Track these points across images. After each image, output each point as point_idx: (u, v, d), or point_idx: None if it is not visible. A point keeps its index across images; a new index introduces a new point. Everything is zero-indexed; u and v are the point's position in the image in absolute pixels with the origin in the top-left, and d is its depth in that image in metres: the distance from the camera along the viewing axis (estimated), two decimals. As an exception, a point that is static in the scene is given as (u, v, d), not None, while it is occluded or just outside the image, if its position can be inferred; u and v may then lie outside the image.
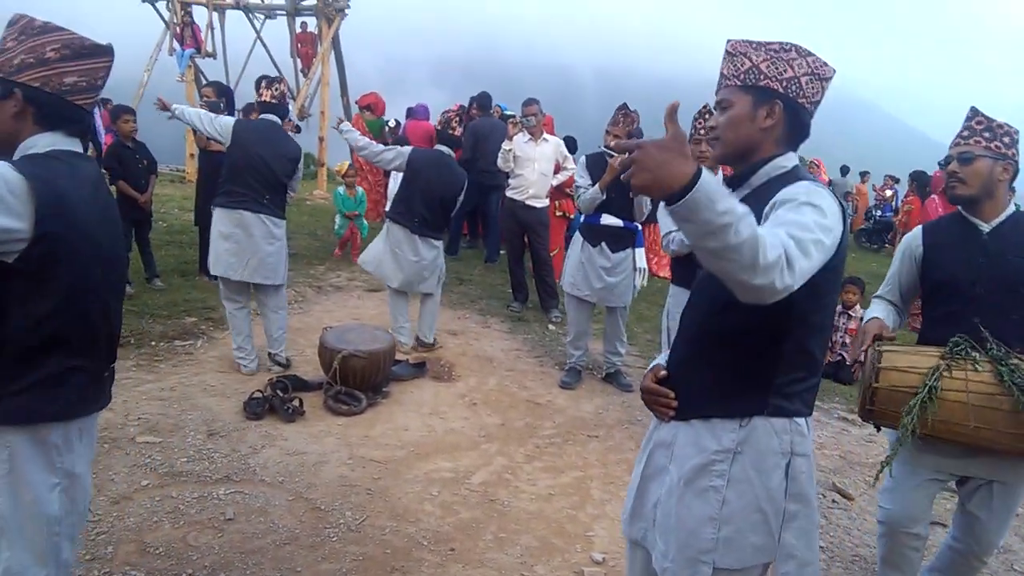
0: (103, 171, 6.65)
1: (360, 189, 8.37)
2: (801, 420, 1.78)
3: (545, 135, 7.06)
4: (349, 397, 4.68)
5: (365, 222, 8.52)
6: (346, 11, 15.09)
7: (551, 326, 6.77)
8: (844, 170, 17.26)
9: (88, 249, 1.84)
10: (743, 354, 1.76)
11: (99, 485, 3.50)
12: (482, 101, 9.27)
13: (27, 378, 1.78)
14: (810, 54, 1.79)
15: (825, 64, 1.80)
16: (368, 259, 5.84)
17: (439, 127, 6.29)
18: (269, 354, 5.20)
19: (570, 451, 4.38)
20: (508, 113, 10.01)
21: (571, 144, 9.84)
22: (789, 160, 1.80)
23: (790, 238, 1.48)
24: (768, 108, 1.77)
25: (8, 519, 1.80)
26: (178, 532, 3.22)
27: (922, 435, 2.44)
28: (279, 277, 5.13)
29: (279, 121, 5.12)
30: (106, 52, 1.91)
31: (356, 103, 10.11)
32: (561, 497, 3.82)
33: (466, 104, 9.64)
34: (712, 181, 1.34)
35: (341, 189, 8.31)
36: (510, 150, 6.85)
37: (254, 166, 4.91)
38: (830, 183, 15.28)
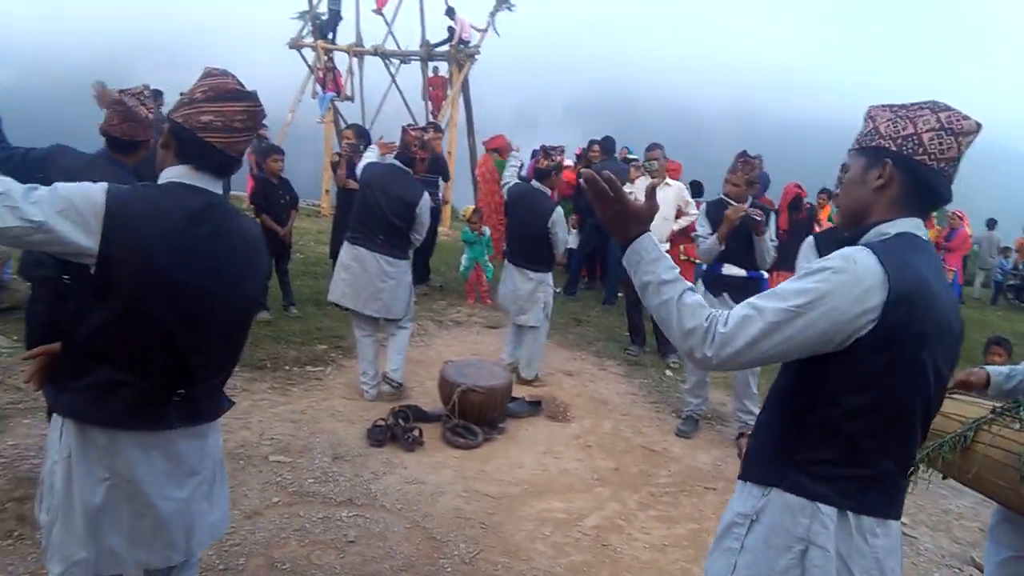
0: (250, 207, 7.19)
1: (487, 230, 8.57)
2: (828, 509, 1.63)
3: (668, 180, 7.07)
4: (466, 431, 4.79)
5: (491, 264, 8.69)
6: (476, 56, 15.66)
7: (668, 372, 6.70)
8: (991, 223, 16.14)
9: (153, 277, 1.89)
10: (776, 418, 1.76)
11: (234, 500, 3.73)
12: (605, 144, 9.39)
13: (82, 380, 1.93)
14: (946, 109, 1.66)
15: (964, 118, 1.65)
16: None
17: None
18: (384, 374, 5.41)
19: (685, 502, 4.30)
20: (632, 157, 10.07)
21: (697, 188, 9.77)
22: (895, 226, 1.68)
23: (743, 308, 1.58)
24: (879, 169, 1.69)
25: (60, 498, 1.97)
26: (303, 550, 3.38)
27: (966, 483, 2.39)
28: (393, 312, 5.31)
29: (405, 168, 5.31)
30: (244, 97, 2.02)
31: (484, 144, 10.42)
32: (675, 549, 3.76)
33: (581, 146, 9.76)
34: (650, 247, 1.71)
35: (466, 227, 8.57)
36: (631, 193, 6.88)
37: (370, 206, 5.22)
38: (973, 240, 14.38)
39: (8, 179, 1.79)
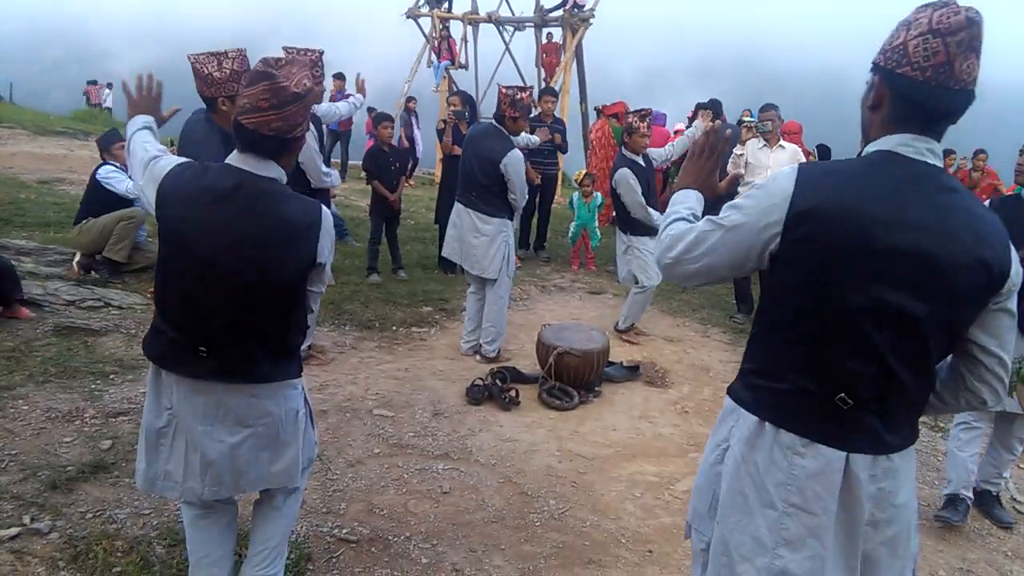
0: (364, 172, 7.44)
1: (598, 195, 8.50)
2: (748, 416, 1.74)
3: (782, 142, 6.78)
4: (562, 393, 4.84)
5: (598, 232, 8.63)
6: (590, 21, 15.43)
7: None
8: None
9: (176, 244, 2.18)
10: None
11: (339, 448, 3.96)
12: (713, 107, 9.09)
13: (153, 321, 2.33)
14: (944, 5, 1.50)
15: (955, 12, 1.48)
16: None
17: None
18: (479, 345, 5.55)
19: (783, 470, 4.19)
20: (750, 120, 9.72)
21: (824, 153, 9.31)
22: (876, 145, 1.62)
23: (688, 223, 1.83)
24: (869, 84, 1.65)
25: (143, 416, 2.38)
26: (400, 498, 3.55)
27: None
28: (484, 270, 5.35)
29: (496, 124, 5.32)
30: (266, 77, 2.10)
31: (602, 109, 10.29)
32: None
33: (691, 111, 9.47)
34: (696, 204, 1.91)
35: (576, 195, 8.54)
36: (742, 155, 6.69)
37: (464, 165, 5.41)
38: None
39: (150, 149, 2.34)
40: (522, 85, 5.96)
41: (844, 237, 1.52)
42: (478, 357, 5.49)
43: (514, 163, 5.15)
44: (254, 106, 2.10)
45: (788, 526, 1.66)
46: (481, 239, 5.33)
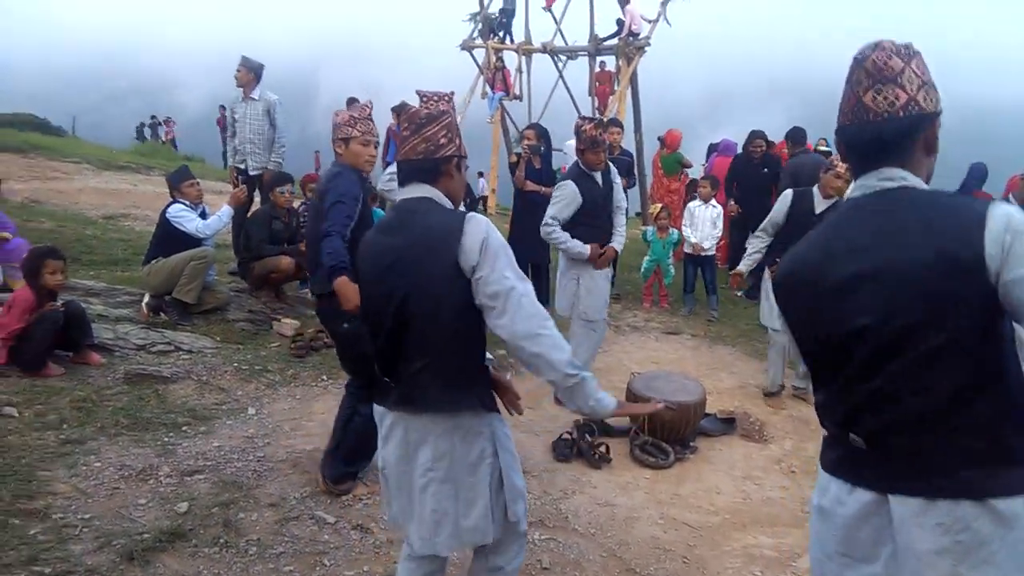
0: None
1: (675, 231, 8.16)
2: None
3: None
4: (656, 449, 4.50)
5: (672, 268, 8.28)
6: (646, 49, 15.19)
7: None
8: None
9: (363, 282, 2.36)
10: None
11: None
12: (794, 136, 8.67)
13: None
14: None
15: (854, 58, 1.67)
16: None
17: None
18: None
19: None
20: (826, 149, 9.33)
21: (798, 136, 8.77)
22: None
23: None
24: None
25: None
26: (497, 573, 3.23)
27: None
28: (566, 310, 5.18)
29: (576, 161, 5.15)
30: (404, 108, 2.34)
31: (662, 139, 10.01)
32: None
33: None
34: None
35: (650, 229, 8.21)
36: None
37: None
38: None
39: None
40: (589, 116, 5.69)
41: (799, 287, 1.69)
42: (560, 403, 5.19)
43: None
44: (401, 139, 2.30)
45: None
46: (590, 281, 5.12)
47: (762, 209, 8.42)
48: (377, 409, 2.35)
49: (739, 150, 9.55)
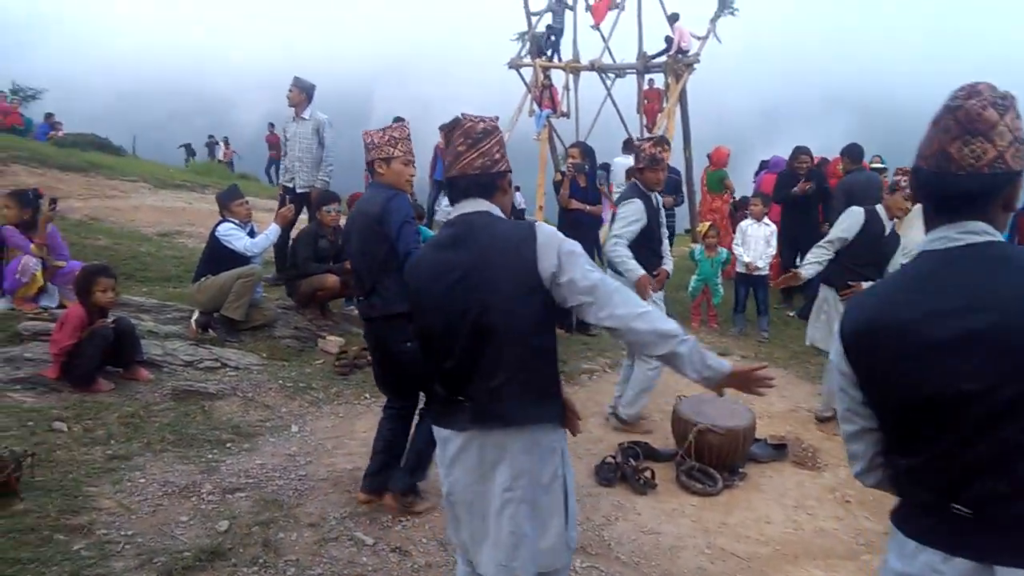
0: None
1: (724, 251, 8.00)
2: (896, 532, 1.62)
3: None
4: (703, 475, 4.36)
5: (721, 288, 8.10)
6: (695, 66, 15.06)
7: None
8: None
9: (423, 300, 2.26)
10: None
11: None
12: (851, 152, 8.43)
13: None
14: (956, 93, 1.55)
15: (949, 100, 1.55)
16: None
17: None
18: (613, 406, 5.17)
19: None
20: (880, 166, 9.07)
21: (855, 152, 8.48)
22: (920, 246, 1.67)
23: None
24: None
25: None
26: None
27: None
28: None
29: (636, 185, 5.07)
30: (456, 124, 2.31)
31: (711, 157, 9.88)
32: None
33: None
34: None
35: (698, 248, 8.07)
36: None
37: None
38: None
39: None
40: (649, 136, 5.63)
41: (886, 344, 1.53)
42: (611, 419, 5.12)
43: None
44: (455, 154, 2.25)
45: None
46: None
47: (807, 226, 8.24)
48: (441, 433, 2.27)
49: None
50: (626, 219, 4.84)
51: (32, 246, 5.63)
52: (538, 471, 2.14)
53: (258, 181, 20.62)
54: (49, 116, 20.22)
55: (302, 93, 7.21)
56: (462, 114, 2.38)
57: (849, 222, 5.08)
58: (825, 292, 5.31)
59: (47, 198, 5.81)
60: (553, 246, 2.11)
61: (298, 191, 7.28)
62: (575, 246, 2.16)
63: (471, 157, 2.22)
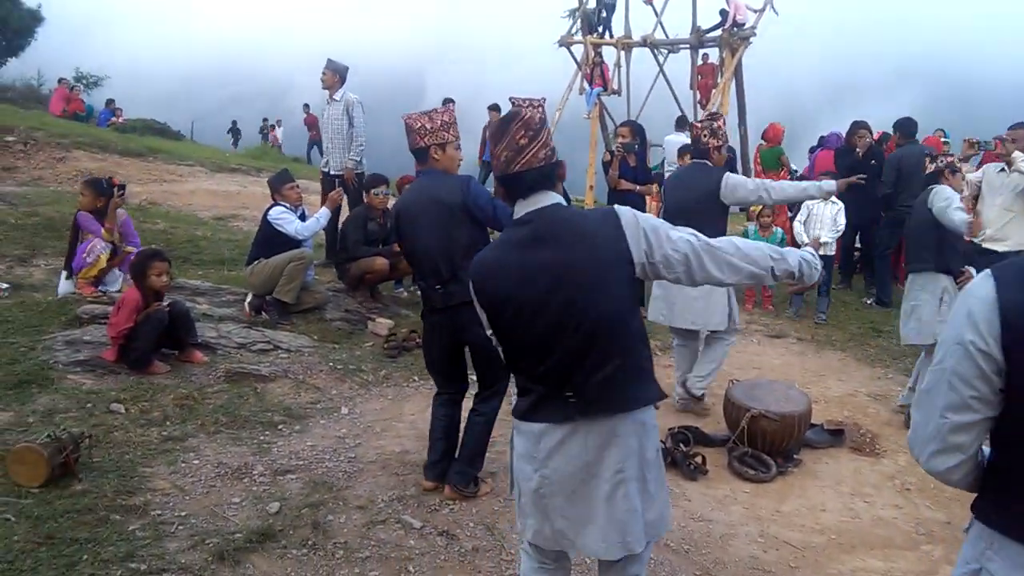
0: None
1: (779, 230, 7.78)
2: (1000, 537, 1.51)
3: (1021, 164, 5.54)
4: (756, 461, 4.26)
5: None
6: (751, 40, 14.64)
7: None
8: None
9: (511, 308, 2.16)
10: None
11: (512, 520, 3.58)
12: (903, 127, 8.10)
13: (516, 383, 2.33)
14: None
15: None
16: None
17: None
18: (684, 380, 5.06)
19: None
20: (944, 140, 8.69)
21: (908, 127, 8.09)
22: None
23: None
24: None
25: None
26: (584, 589, 3.12)
27: None
28: (712, 323, 4.90)
29: (699, 162, 4.95)
30: (513, 117, 2.20)
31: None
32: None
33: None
34: None
35: (752, 226, 7.86)
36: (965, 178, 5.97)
37: (671, 210, 4.94)
38: None
39: None
40: (714, 112, 5.49)
41: None
42: (677, 401, 5.06)
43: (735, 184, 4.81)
44: (517, 148, 2.16)
45: None
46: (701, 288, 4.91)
47: (868, 205, 7.95)
48: (532, 427, 2.22)
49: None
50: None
51: (103, 231, 5.80)
52: (644, 448, 2.20)
53: (310, 164, 20.88)
54: (110, 102, 20.79)
55: (335, 75, 7.23)
56: (511, 98, 2.35)
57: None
58: (942, 282, 4.89)
59: (117, 186, 5.96)
60: (639, 227, 2.14)
61: (331, 173, 7.34)
62: (655, 220, 2.20)
63: (535, 149, 2.17)
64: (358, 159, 7.27)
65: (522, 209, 2.20)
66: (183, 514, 3.38)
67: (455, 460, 3.82)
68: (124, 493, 3.46)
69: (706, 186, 4.79)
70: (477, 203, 3.51)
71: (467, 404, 3.88)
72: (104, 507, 3.31)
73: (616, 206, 2.22)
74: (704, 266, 2.16)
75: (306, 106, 21.18)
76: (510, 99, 4.18)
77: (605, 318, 2.13)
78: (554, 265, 2.11)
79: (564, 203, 2.24)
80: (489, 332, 2.28)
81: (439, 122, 3.56)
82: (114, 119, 19.50)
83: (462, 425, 3.87)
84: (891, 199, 7.74)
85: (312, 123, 20.58)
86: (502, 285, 2.17)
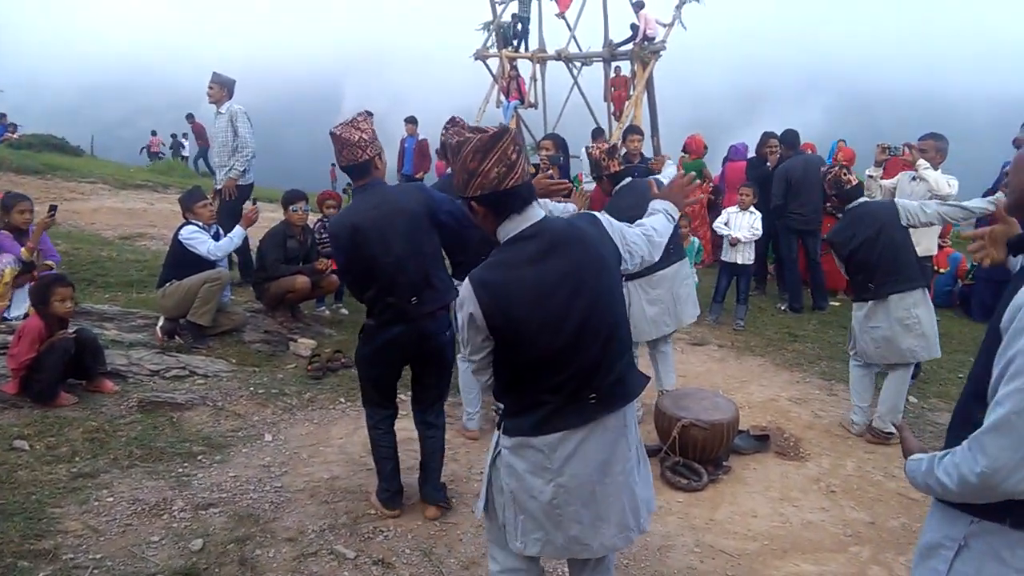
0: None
1: (696, 240, 7.95)
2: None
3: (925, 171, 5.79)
4: (688, 470, 4.31)
5: (696, 277, 8.03)
6: (661, 53, 15.04)
7: (912, 398, 5.75)
8: None
9: (529, 326, 2.13)
10: None
11: (449, 544, 3.51)
12: (787, 138, 8.46)
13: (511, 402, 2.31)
14: None
15: None
16: None
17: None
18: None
19: (965, 568, 3.56)
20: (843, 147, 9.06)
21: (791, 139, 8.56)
22: None
23: None
24: None
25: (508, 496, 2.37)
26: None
27: None
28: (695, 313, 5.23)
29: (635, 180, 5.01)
30: (502, 134, 2.15)
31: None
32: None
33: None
34: None
35: (676, 234, 8.03)
36: (873, 177, 6.37)
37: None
38: None
39: None
40: (613, 145, 5.52)
41: None
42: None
43: None
44: (508, 163, 2.13)
45: None
46: (689, 280, 5.21)
47: (771, 215, 8.23)
48: (546, 439, 2.19)
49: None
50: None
51: (23, 251, 5.35)
52: (637, 431, 2.38)
53: (198, 173, 20.05)
54: (2, 117, 19.63)
55: (223, 88, 7.04)
56: (453, 118, 2.40)
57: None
58: (927, 295, 4.88)
59: (50, 207, 5.57)
60: (613, 227, 2.33)
61: (216, 187, 7.13)
62: (610, 218, 2.38)
63: (524, 163, 2.20)
64: (242, 169, 7.05)
65: (518, 224, 2.18)
66: (98, 556, 3.17)
67: (427, 479, 3.79)
68: (32, 537, 3.22)
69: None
70: (444, 208, 3.47)
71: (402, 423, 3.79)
72: (11, 553, 3.07)
73: (593, 212, 2.39)
74: (652, 254, 2.47)
75: (190, 116, 20.04)
76: (454, 119, 4.11)
77: (620, 316, 2.27)
78: (571, 272, 2.16)
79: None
80: (480, 356, 2.24)
81: (370, 132, 3.44)
82: (8, 134, 18.42)
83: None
84: (781, 209, 8.03)
85: (199, 132, 19.81)
86: (522, 305, 2.13)
